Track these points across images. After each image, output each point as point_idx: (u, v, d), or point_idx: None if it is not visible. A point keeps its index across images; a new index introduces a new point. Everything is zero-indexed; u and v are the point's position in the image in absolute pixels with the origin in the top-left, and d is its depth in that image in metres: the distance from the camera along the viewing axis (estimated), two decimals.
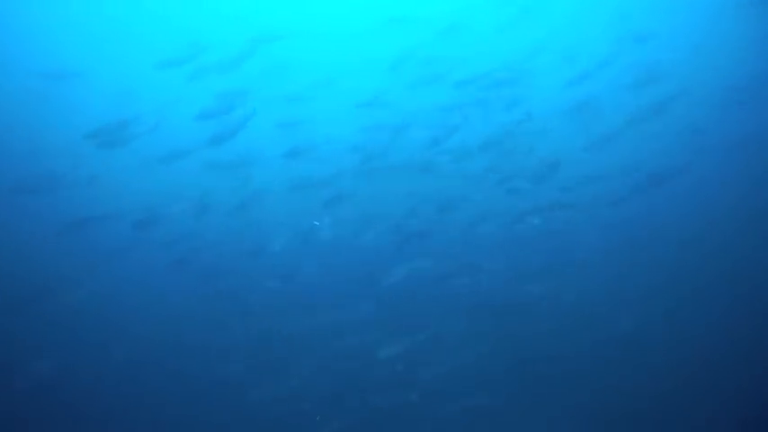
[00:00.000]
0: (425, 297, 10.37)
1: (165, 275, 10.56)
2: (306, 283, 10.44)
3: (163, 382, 9.80)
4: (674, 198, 11.84)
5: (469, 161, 10.51)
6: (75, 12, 14.97)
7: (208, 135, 9.30)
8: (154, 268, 10.72)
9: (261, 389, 9.38)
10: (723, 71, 12.83)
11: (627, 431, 8.81)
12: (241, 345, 9.92)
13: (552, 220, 9.96)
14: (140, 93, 13.01)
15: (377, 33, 13.64)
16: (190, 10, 15.78)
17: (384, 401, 9.26)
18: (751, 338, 9.49)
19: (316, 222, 10.64)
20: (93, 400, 9.57)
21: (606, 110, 11.34)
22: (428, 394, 9.39)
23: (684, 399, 8.92)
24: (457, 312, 10.26)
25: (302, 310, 10.07)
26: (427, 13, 13.80)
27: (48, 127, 12.94)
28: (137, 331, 10.11)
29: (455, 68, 11.25)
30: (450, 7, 14.48)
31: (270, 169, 11.16)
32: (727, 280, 10.41)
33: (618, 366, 9.60)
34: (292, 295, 10.30)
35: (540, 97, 11.24)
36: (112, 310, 10.44)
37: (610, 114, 11.17)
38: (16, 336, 9.81)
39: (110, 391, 9.69)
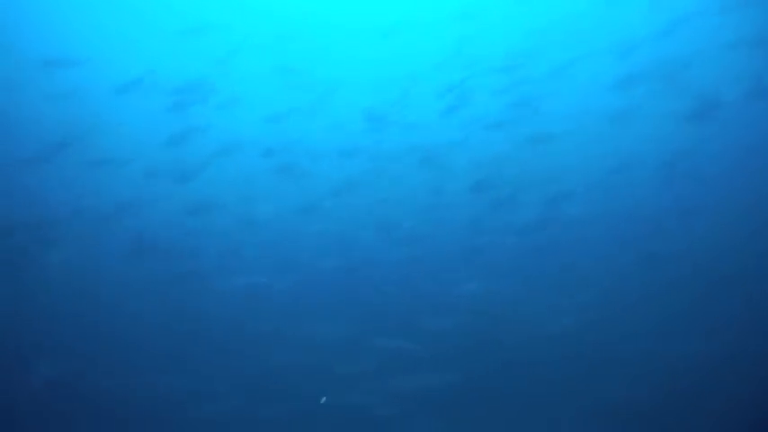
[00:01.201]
0: (419, 302, 10.28)
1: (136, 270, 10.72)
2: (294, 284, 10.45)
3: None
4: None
5: (477, 168, 10.35)
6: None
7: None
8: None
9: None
10: None
11: None
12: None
13: (558, 231, 9.78)
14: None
15: (394, 36, 13.39)
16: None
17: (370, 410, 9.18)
18: (754, 340, 9.11)
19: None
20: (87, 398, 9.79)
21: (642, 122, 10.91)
22: (417, 403, 9.28)
23: (686, 401, 8.58)
24: (453, 318, 10.13)
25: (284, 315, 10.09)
26: (441, 13, 13.58)
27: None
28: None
29: (465, 74, 11.03)
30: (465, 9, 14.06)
31: (262, 173, 11.24)
32: (727, 286, 10.05)
33: (620, 370, 9.38)
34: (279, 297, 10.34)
35: (562, 104, 10.89)
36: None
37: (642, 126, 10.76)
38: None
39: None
